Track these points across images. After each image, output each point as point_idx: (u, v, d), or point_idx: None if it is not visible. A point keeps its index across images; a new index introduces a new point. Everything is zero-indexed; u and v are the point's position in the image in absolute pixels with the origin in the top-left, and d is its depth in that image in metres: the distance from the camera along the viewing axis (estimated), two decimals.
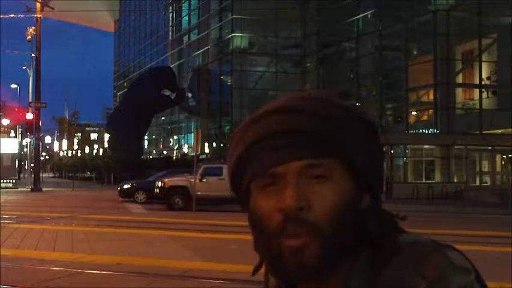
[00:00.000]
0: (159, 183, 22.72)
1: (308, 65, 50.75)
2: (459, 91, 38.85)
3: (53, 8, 40.77)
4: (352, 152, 0.87)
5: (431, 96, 38.23)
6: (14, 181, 41.45)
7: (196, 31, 59.25)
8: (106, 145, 64.75)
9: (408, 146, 34.90)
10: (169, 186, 22.15)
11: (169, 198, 22.04)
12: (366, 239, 0.88)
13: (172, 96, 51.24)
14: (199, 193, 21.34)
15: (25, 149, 61.07)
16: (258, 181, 0.88)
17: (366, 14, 42.59)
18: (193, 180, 21.52)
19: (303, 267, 0.85)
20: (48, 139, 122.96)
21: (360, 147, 0.88)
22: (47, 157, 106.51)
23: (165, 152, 66.19)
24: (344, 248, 0.86)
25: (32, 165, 42.27)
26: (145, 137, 62.61)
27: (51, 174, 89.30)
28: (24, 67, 44.50)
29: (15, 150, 46.36)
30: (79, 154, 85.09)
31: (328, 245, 0.84)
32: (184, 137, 62.85)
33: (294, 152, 0.85)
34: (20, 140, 59.39)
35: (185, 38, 62.89)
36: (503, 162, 37.28)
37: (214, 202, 21.90)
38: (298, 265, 0.84)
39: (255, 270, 0.95)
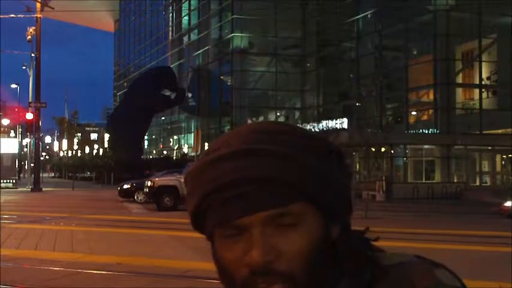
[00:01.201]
0: (149, 183, 22.66)
1: (308, 65, 50.73)
2: (459, 91, 38.84)
3: (53, 8, 40.80)
4: (319, 191, 0.82)
5: (431, 96, 38.22)
6: (14, 181, 41.47)
7: (196, 31, 59.23)
8: (106, 145, 64.81)
9: (408, 146, 34.90)
10: (158, 186, 22.05)
11: (158, 197, 21.93)
12: (340, 268, 0.84)
13: (173, 96, 51.23)
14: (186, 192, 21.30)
15: (25, 149, 61.06)
16: (221, 230, 0.82)
17: (366, 14, 42.59)
18: (183, 179, 21.47)
19: None
20: (48, 139, 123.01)
21: (327, 181, 0.83)
22: (47, 157, 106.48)
23: (165, 152, 66.16)
24: (322, 286, 0.82)
25: (32, 165, 42.27)
26: (145, 137, 62.56)
27: (51, 174, 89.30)
28: (24, 67, 44.49)
29: (15, 150, 46.38)
30: (79, 154, 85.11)
31: None
32: (184, 137, 62.81)
33: (258, 201, 0.79)
34: (20, 140, 59.37)
35: (185, 38, 62.88)
36: (503, 162, 37.30)
37: None
38: None
39: None
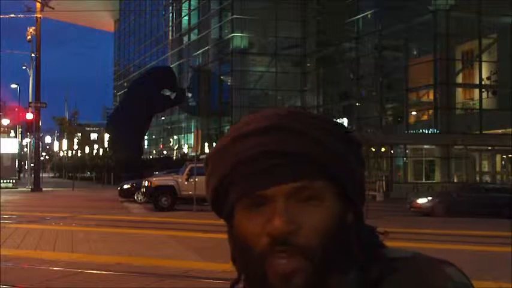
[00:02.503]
0: (146, 183, 22.65)
1: (308, 65, 50.74)
2: (459, 91, 38.86)
3: (53, 8, 40.78)
4: (340, 173, 0.85)
5: (431, 96, 38.23)
6: (14, 181, 41.47)
7: (196, 31, 59.23)
8: (106, 145, 64.78)
9: (408, 146, 34.91)
10: (155, 186, 22.03)
11: (155, 198, 21.89)
12: (352, 258, 0.86)
13: (173, 96, 51.21)
14: (185, 193, 21.44)
15: (25, 149, 61.08)
16: (244, 201, 0.85)
17: (366, 14, 42.59)
18: (180, 179, 21.58)
19: None
20: (48, 139, 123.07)
21: (347, 166, 0.86)
22: (47, 157, 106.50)
23: (165, 152, 66.16)
24: (334, 270, 0.84)
25: (32, 165, 42.27)
26: (145, 137, 62.56)
27: (51, 174, 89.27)
28: (24, 67, 44.48)
29: (15, 150, 46.38)
30: (79, 154, 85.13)
31: (318, 268, 0.82)
32: (184, 137, 62.82)
33: (283, 174, 0.82)
34: (20, 140, 59.40)
35: (185, 38, 62.88)
36: (503, 162, 37.31)
37: (200, 201, 21.87)
38: None
39: (234, 284, 0.92)
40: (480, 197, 21.47)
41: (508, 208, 20.63)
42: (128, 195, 26.68)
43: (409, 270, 0.85)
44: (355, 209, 0.89)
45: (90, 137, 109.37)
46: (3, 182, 38.82)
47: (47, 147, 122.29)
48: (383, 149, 32.00)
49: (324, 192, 0.84)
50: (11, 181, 40.83)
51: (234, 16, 49.89)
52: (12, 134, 56.55)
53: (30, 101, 39.86)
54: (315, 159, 0.84)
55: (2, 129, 49.59)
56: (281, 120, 0.86)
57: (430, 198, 21.66)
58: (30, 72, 42.42)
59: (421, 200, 21.63)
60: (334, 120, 0.91)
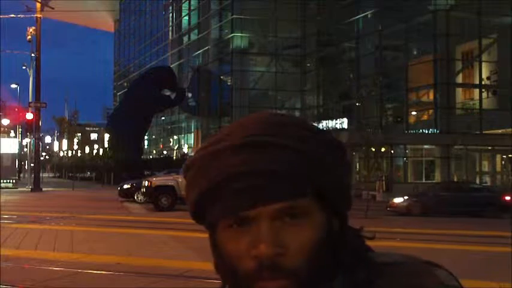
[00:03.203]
0: (146, 183, 22.61)
1: (308, 65, 50.73)
2: (459, 91, 38.85)
3: (53, 8, 40.77)
4: (326, 186, 0.82)
5: (431, 96, 38.22)
6: (14, 181, 41.43)
7: (196, 31, 59.22)
8: (106, 145, 64.78)
9: (408, 146, 34.89)
10: (155, 186, 22.01)
11: (155, 198, 21.88)
12: (338, 264, 0.85)
13: (173, 96, 51.23)
14: (184, 192, 21.40)
15: (25, 149, 61.00)
16: (227, 220, 0.81)
17: (366, 14, 42.58)
18: (180, 179, 21.57)
19: None
20: (48, 139, 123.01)
21: (332, 175, 0.83)
22: (47, 157, 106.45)
23: (165, 152, 66.18)
24: (321, 280, 0.82)
25: (32, 165, 42.25)
26: (145, 137, 62.57)
27: (51, 174, 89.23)
28: (24, 67, 44.46)
29: (15, 150, 46.35)
30: (79, 154, 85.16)
31: (305, 282, 0.80)
32: (184, 137, 62.83)
33: (268, 194, 0.78)
34: (20, 140, 59.35)
35: (185, 38, 62.87)
36: (503, 162, 37.30)
37: None
38: None
39: None
40: (457, 196, 21.56)
41: (487, 207, 20.78)
42: (128, 195, 26.67)
43: (399, 273, 0.83)
44: (340, 214, 0.87)
45: (90, 137, 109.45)
46: (3, 182, 38.80)
47: (47, 147, 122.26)
48: (383, 149, 31.96)
49: (310, 209, 0.81)
50: (11, 181, 40.80)
51: (234, 16, 49.89)
52: (12, 134, 56.53)
53: (30, 101, 39.86)
54: (299, 176, 0.80)
55: (2, 129, 49.57)
56: (262, 133, 0.81)
57: (406, 197, 21.73)
58: (30, 72, 42.41)
59: (397, 200, 21.74)
60: (315, 125, 0.88)
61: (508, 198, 21.73)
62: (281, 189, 0.79)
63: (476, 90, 37.88)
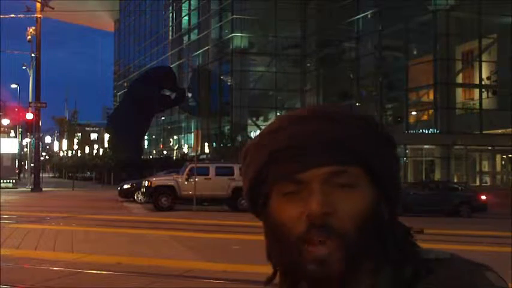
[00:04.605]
0: (146, 183, 22.62)
1: (308, 65, 50.72)
2: (459, 91, 38.84)
3: (53, 8, 40.75)
4: (375, 162, 0.87)
5: (431, 96, 38.21)
6: (14, 181, 41.45)
7: (196, 31, 59.22)
8: (106, 145, 64.79)
9: (408, 146, 34.89)
10: (155, 186, 22.01)
11: (155, 198, 21.87)
12: (385, 255, 0.86)
13: (173, 96, 51.26)
14: (185, 193, 21.48)
15: (25, 149, 61.03)
16: (281, 187, 0.86)
17: (366, 14, 42.58)
18: (180, 179, 21.61)
19: (326, 275, 0.82)
20: (48, 139, 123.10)
21: (381, 157, 0.88)
22: (47, 157, 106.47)
23: (165, 152, 66.17)
24: (367, 258, 0.84)
25: (32, 165, 42.26)
26: (145, 137, 62.57)
27: (51, 174, 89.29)
28: (24, 67, 44.47)
29: (15, 150, 46.39)
30: (79, 154, 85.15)
31: (352, 253, 0.82)
32: (184, 137, 62.82)
33: (320, 159, 0.84)
34: (20, 140, 59.40)
35: (185, 38, 62.86)
36: (503, 162, 37.30)
37: (200, 201, 21.90)
38: (321, 273, 0.82)
39: (268, 281, 0.93)
40: (435, 195, 21.70)
41: (464, 206, 20.92)
42: (128, 195, 26.68)
43: (447, 272, 0.83)
44: (389, 202, 0.89)
45: (90, 137, 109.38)
46: (3, 182, 38.81)
47: (47, 147, 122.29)
48: None
49: (358, 178, 0.85)
50: (11, 181, 40.81)
51: (234, 16, 49.89)
52: (12, 134, 56.55)
53: (30, 101, 39.87)
54: (351, 146, 0.85)
55: (2, 129, 49.58)
56: (317, 110, 0.89)
57: None
58: (30, 72, 42.41)
59: None
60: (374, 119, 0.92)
61: (483, 197, 21.96)
62: (331, 155, 0.84)
63: (476, 90, 37.88)
